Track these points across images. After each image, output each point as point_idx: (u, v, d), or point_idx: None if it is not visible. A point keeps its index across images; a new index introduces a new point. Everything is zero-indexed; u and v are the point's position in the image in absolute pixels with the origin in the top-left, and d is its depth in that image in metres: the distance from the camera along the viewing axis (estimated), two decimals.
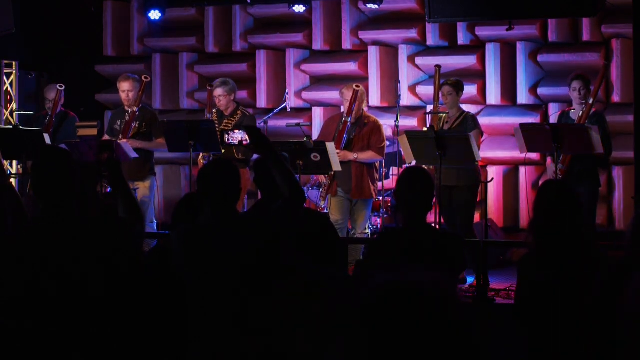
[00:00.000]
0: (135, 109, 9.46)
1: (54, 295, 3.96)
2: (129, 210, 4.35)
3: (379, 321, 1.74)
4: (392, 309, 1.74)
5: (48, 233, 4.01)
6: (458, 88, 8.86)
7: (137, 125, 9.50)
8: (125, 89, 9.52)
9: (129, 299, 4.12)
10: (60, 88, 9.85)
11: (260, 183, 5.06)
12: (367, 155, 8.73)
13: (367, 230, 8.93)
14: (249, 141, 4.72)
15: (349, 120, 8.79)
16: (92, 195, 4.65)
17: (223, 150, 9.05)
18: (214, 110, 9.47)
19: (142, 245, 4.30)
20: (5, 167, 8.46)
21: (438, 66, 8.95)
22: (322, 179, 9.01)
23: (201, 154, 9.16)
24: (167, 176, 11.79)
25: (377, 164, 9.08)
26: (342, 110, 9.03)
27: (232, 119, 9.30)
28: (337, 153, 8.51)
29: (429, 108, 9.97)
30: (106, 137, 9.69)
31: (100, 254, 4.00)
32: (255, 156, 10.82)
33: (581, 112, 8.39)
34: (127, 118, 9.47)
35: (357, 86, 8.90)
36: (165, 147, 9.44)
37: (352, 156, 8.70)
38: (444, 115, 8.88)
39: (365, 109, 9.21)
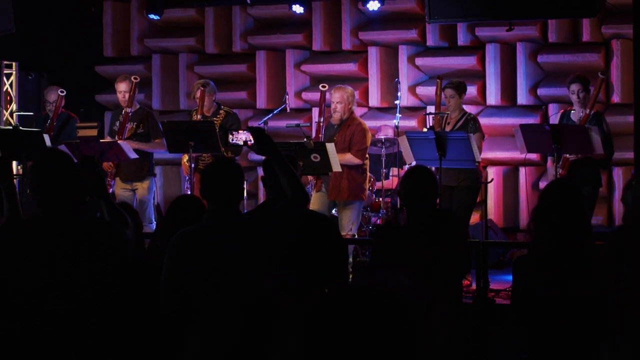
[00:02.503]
0: (128, 110, 9.43)
1: (47, 296, 3.97)
2: (114, 218, 4.40)
3: (316, 326, 1.70)
4: (330, 314, 1.70)
5: (41, 233, 4.03)
6: (460, 90, 8.86)
7: (133, 126, 9.48)
8: (122, 89, 9.50)
9: (121, 299, 4.13)
10: (61, 93, 9.84)
11: (268, 183, 5.06)
12: (345, 158, 8.69)
13: (354, 232, 8.88)
14: (253, 141, 4.70)
15: (321, 121, 8.86)
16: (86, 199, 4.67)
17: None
18: (193, 112, 9.45)
19: (131, 250, 4.31)
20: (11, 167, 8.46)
21: (440, 78, 8.96)
22: (309, 178, 9.03)
23: (186, 156, 9.11)
24: (166, 176, 11.79)
25: (365, 167, 9.00)
26: (331, 111, 9.04)
27: (217, 119, 9.28)
28: None
29: (429, 108, 9.98)
30: (107, 138, 9.69)
31: (93, 255, 4.02)
32: (253, 156, 10.87)
33: (581, 115, 8.41)
34: (121, 119, 9.47)
35: (322, 86, 8.97)
36: (163, 148, 9.44)
37: None
38: (445, 115, 8.90)
39: (355, 109, 9.20)
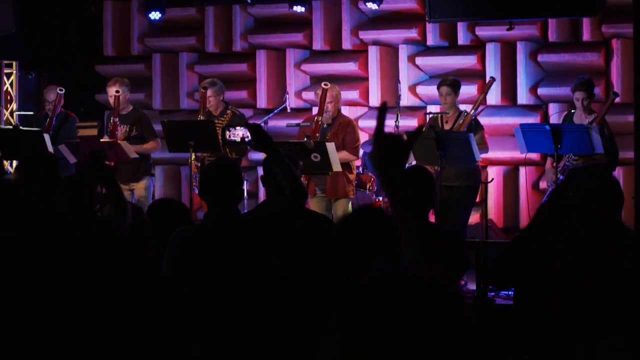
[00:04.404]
0: (116, 119, 9.37)
1: (45, 295, 3.96)
2: (116, 207, 4.41)
3: (377, 317, 1.67)
4: (393, 305, 1.67)
5: (29, 229, 4.02)
6: (456, 87, 8.89)
7: (127, 129, 9.46)
8: (111, 94, 9.48)
9: (120, 299, 4.12)
10: (60, 91, 9.83)
11: (267, 182, 5.05)
12: (340, 156, 8.70)
13: None
14: (250, 138, 4.69)
15: (320, 119, 8.82)
16: (92, 195, 4.67)
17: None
18: (200, 117, 9.42)
19: (122, 239, 4.32)
20: (5, 168, 8.46)
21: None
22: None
23: (194, 155, 9.08)
24: (166, 176, 11.78)
25: (354, 164, 9.08)
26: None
27: (223, 119, 9.27)
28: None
29: (429, 108, 9.97)
30: (106, 137, 9.68)
31: (89, 254, 4.02)
32: (253, 155, 10.86)
33: (584, 119, 8.44)
34: (110, 127, 9.43)
35: (325, 84, 8.93)
36: (157, 149, 9.46)
37: None
38: (440, 115, 8.93)
39: (342, 108, 9.23)
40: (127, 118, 9.51)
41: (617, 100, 10.04)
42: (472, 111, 8.77)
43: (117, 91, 9.38)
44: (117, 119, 9.40)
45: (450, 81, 8.91)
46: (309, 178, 8.84)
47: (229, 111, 9.38)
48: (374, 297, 1.68)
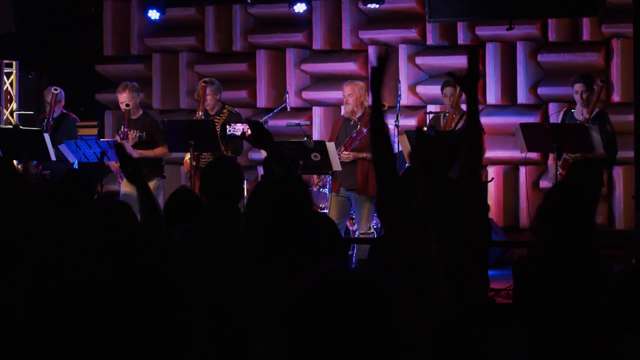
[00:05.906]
0: (126, 129, 9.34)
1: (40, 292, 3.96)
2: (144, 205, 4.31)
3: (311, 315, 1.66)
4: (326, 303, 1.66)
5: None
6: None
7: (137, 135, 9.42)
8: (122, 100, 9.43)
9: (120, 299, 4.12)
10: (55, 91, 9.82)
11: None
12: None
13: (372, 230, 8.88)
14: (250, 132, 4.69)
15: (357, 120, 8.85)
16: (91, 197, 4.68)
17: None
18: (199, 112, 9.41)
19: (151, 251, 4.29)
20: (17, 168, 8.48)
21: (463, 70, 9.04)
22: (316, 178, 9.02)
23: (188, 154, 9.05)
24: (167, 176, 11.77)
25: None
26: (342, 107, 9.09)
27: (219, 118, 9.27)
28: (347, 154, 8.61)
29: (429, 108, 9.97)
30: (116, 137, 9.62)
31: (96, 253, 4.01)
32: (253, 154, 10.87)
33: (583, 115, 8.43)
34: (121, 135, 9.39)
35: (349, 94, 8.98)
36: (167, 155, 9.45)
37: (361, 155, 8.69)
38: (442, 114, 8.93)
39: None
40: (137, 123, 9.46)
41: (617, 99, 10.07)
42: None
43: (127, 105, 9.33)
44: (126, 129, 9.35)
45: (454, 82, 8.92)
46: (335, 175, 8.81)
47: (225, 110, 9.37)
48: (310, 291, 1.67)
